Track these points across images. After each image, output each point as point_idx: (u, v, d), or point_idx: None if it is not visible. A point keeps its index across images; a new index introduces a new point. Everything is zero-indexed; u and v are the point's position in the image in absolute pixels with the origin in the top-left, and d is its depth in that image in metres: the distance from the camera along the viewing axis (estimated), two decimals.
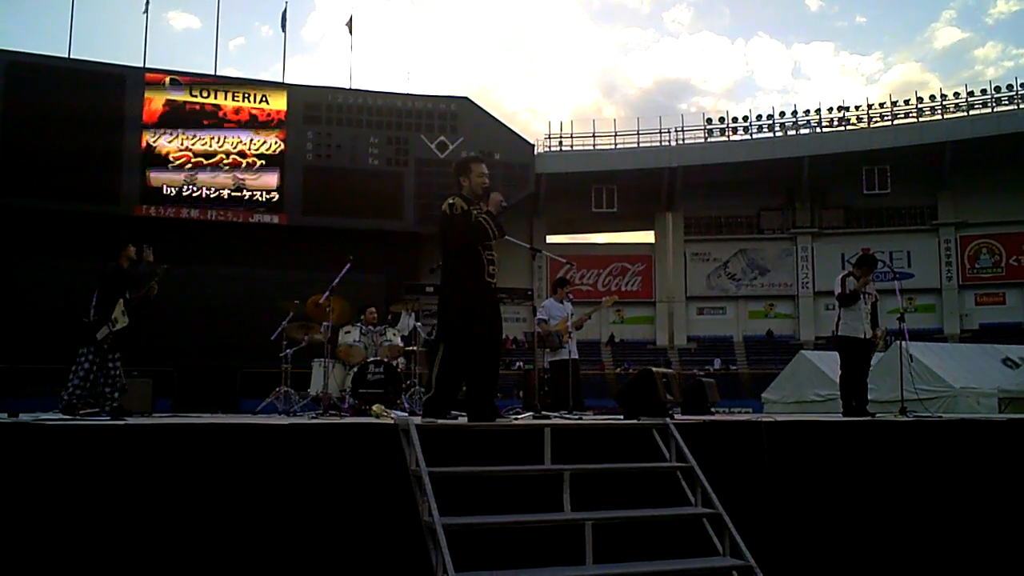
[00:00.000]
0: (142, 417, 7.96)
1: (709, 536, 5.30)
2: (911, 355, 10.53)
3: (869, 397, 9.35)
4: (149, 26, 33.82)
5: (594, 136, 39.43)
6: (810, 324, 38.25)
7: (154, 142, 32.17)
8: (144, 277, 8.14)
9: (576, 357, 10.18)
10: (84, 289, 8.26)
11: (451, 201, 6.24)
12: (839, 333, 9.37)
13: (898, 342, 10.70)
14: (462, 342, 6.17)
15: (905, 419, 8.04)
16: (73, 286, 8.14)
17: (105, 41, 64.74)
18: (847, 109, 38.74)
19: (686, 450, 5.61)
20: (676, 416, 6.87)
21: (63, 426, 5.06)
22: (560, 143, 39.26)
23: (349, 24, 36.77)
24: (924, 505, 6.54)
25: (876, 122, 38.33)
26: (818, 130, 38.77)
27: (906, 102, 38.37)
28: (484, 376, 6.26)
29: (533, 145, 37.67)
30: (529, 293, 33.60)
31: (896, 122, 38.02)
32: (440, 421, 5.82)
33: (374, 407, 8.26)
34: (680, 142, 39.32)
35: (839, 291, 9.37)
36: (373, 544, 5.08)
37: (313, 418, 7.65)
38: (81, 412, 7.65)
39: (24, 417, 6.20)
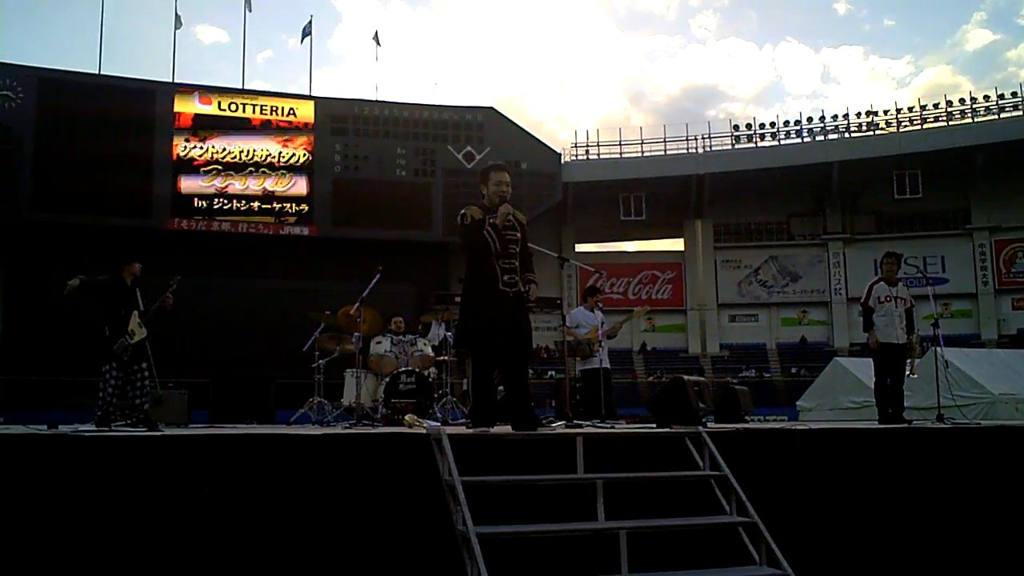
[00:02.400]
0: (178, 428, 8.04)
1: (745, 545, 5.26)
2: (947, 361, 10.39)
3: (906, 404, 9.24)
4: (178, 41, 34.24)
5: (620, 144, 39.40)
6: (844, 330, 37.89)
7: (184, 156, 32.52)
8: (126, 292, 8.10)
9: (608, 366, 10.17)
10: None
11: (463, 211, 6.23)
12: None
13: (933, 348, 10.57)
14: (481, 350, 6.19)
15: (943, 426, 7.95)
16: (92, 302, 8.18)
17: (135, 56, 65.63)
18: (876, 114, 38.47)
19: (720, 458, 5.57)
20: (709, 424, 6.83)
21: (101, 437, 5.13)
22: (587, 152, 39.26)
23: (376, 37, 37.03)
24: (963, 513, 6.45)
25: (906, 126, 38.01)
26: (847, 135, 38.48)
27: (935, 106, 38.06)
28: (515, 383, 6.26)
29: (560, 154, 37.69)
30: (558, 302, 33.54)
31: (926, 126, 37.69)
32: (481, 430, 5.83)
33: (407, 417, 8.28)
34: (707, 149, 39.20)
35: (863, 299, 9.37)
36: (408, 554, 5.09)
37: (346, 428, 7.68)
38: (115, 424, 7.74)
39: (63, 429, 6.28)
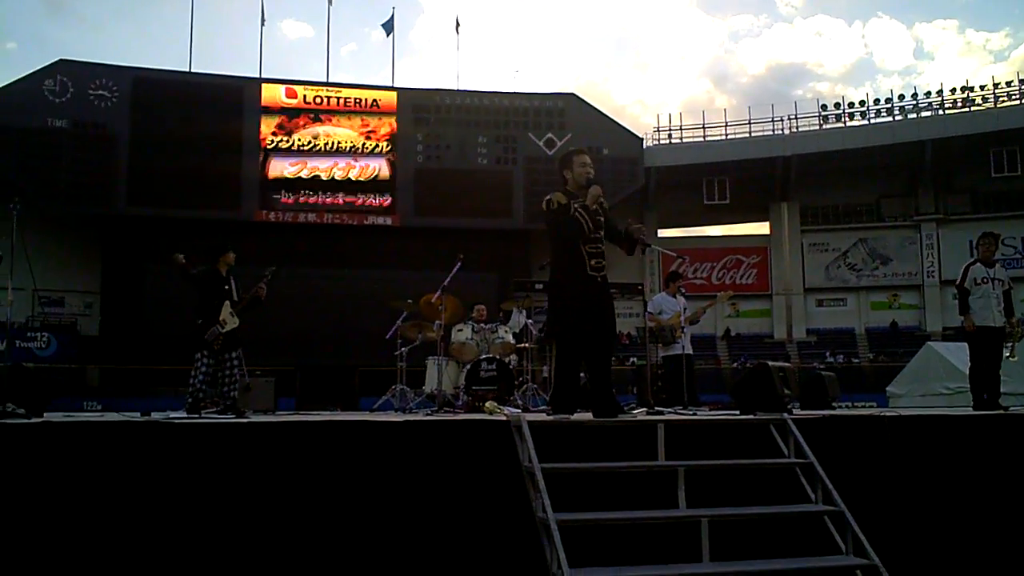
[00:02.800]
0: (265, 415, 8.25)
1: (831, 534, 5.15)
2: None
3: (1002, 389, 8.91)
4: (264, 36, 34.96)
5: (704, 127, 38.78)
6: (937, 314, 36.72)
7: (271, 149, 33.21)
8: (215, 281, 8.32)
9: (690, 352, 10.05)
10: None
11: (548, 197, 6.25)
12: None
13: None
14: (568, 337, 6.18)
15: None
16: (192, 290, 8.46)
17: (223, 53, 67.27)
18: (971, 89, 37.05)
19: (805, 446, 5.46)
20: (794, 411, 6.70)
21: (190, 424, 5.28)
22: (669, 135, 38.77)
23: (456, 26, 37.20)
24: None
25: (1003, 101, 36.48)
26: (941, 112, 37.15)
27: None
28: (597, 370, 6.25)
29: (641, 139, 37.27)
30: (640, 288, 33.23)
31: None
32: (562, 417, 5.84)
33: (487, 404, 8.34)
34: (794, 130, 38.31)
35: (959, 281, 9.06)
36: (488, 539, 5.13)
37: (428, 415, 7.77)
38: (205, 411, 7.98)
39: (155, 416, 6.50)
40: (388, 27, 36.97)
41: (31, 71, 31.66)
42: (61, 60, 32.09)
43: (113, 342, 30.36)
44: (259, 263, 8.70)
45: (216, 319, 8.06)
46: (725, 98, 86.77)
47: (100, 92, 31.75)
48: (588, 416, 6.02)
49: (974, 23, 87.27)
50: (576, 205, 6.14)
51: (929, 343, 20.54)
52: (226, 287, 8.26)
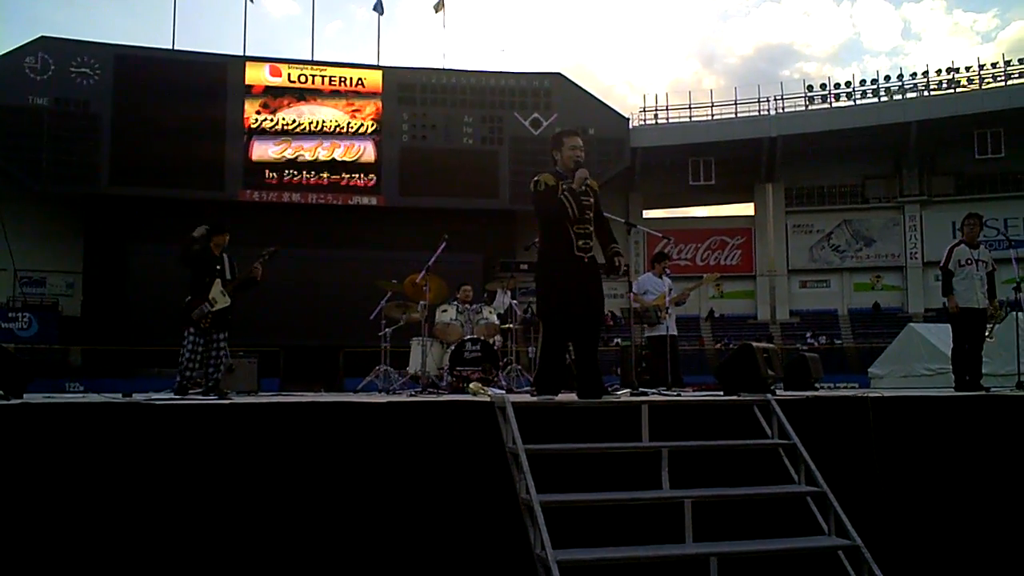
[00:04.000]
0: (248, 396, 8.22)
1: (813, 515, 5.18)
2: None
3: (983, 371, 8.97)
4: (249, 14, 34.58)
5: (690, 108, 38.72)
6: (919, 296, 36.91)
7: (255, 128, 32.92)
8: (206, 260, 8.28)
9: (675, 333, 10.08)
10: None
11: (536, 178, 6.24)
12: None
13: (1014, 313, 10.23)
14: (554, 318, 6.19)
15: (1022, 394, 7.70)
16: (183, 271, 8.42)
17: (207, 31, 66.57)
18: (957, 71, 37.10)
19: (788, 427, 5.48)
20: (778, 392, 6.72)
21: (171, 406, 5.25)
22: (656, 116, 38.69)
23: (438, 6, 36.73)
24: None
25: (988, 83, 36.56)
26: (926, 93, 37.23)
27: (1020, 61, 36.44)
28: (583, 351, 6.25)
29: (628, 119, 37.19)
30: (625, 268, 33.22)
31: (1010, 82, 36.16)
32: (546, 398, 5.84)
33: (471, 385, 8.35)
34: (780, 111, 38.33)
35: (942, 262, 9.09)
36: (471, 520, 5.13)
37: (412, 396, 7.75)
38: (191, 392, 7.95)
39: (137, 397, 6.46)
40: (379, 7, 36.62)
41: (12, 48, 31.27)
42: (42, 36, 31.65)
43: (95, 323, 30.14)
44: (243, 243, 8.65)
45: (205, 297, 8.04)
46: (713, 79, 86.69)
47: (82, 69, 31.34)
48: (572, 397, 6.03)
49: (962, 3, 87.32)
50: (564, 187, 6.13)
51: (911, 324, 20.68)
52: (218, 267, 8.23)
